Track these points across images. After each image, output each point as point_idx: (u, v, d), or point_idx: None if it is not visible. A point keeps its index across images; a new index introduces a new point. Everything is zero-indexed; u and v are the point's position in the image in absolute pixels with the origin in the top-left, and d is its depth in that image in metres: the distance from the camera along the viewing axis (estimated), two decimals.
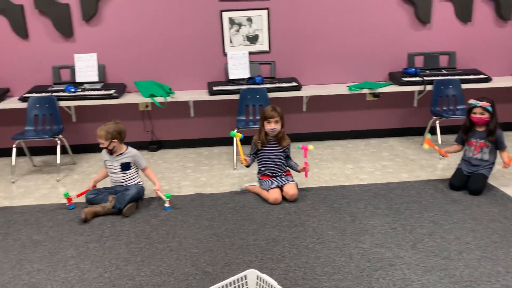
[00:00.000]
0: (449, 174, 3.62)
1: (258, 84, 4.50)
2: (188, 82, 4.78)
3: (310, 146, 3.41)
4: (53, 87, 4.49)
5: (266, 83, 4.53)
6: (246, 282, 2.14)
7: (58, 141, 4.12)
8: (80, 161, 4.56)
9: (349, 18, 4.69)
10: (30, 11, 4.42)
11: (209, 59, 4.73)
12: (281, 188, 3.39)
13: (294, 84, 4.51)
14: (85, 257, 2.65)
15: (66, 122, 4.52)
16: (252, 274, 2.19)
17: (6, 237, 2.94)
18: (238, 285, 2.10)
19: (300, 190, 3.48)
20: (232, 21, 4.61)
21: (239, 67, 4.66)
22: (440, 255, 2.54)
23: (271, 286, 2.03)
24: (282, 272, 2.43)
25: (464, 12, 4.71)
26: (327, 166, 4.17)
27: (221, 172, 4.11)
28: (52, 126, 4.28)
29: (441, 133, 4.37)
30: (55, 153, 4.68)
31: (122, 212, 3.17)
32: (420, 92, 4.70)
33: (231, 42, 4.68)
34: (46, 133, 4.14)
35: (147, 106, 4.81)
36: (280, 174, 3.47)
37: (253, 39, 4.69)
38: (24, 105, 4.28)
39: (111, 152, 3.32)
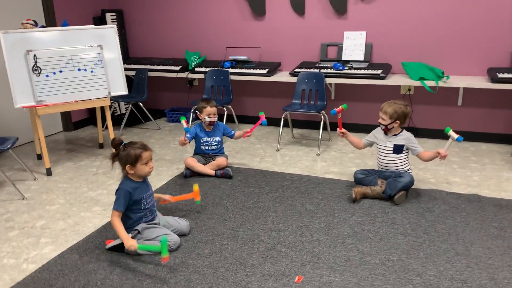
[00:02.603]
0: None
1: None
2: (462, 67, 4.25)
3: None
4: (320, 63, 4.62)
5: None
6: None
7: (322, 117, 4.22)
8: (335, 139, 4.62)
9: None
10: None
11: (492, 41, 4.08)
12: None
13: None
14: (362, 239, 2.58)
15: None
16: None
17: (283, 201, 3.12)
18: None
19: None
20: None
21: None
22: None
23: None
24: None
25: None
26: None
27: (498, 174, 3.53)
28: (316, 101, 4.42)
29: None
30: (312, 127, 4.88)
31: (394, 199, 3.01)
32: None
33: None
34: (311, 108, 4.30)
35: (409, 90, 4.50)
36: None
37: None
38: (293, 79, 4.53)
39: (386, 131, 3.16)
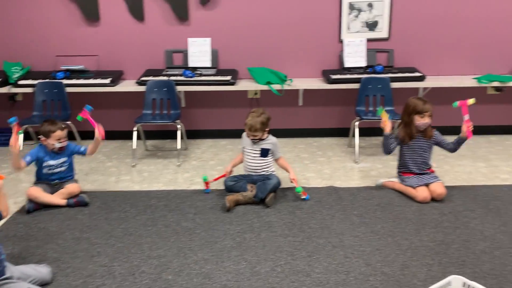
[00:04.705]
0: None
1: (378, 73, 4.28)
2: (299, 70, 4.61)
3: (470, 100, 3.10)
4: (167, 71, 4.44)
5: (386, 72, 4.30)
6: None
7: (179, 126, 4.07)
8: (191, 147, 4.51)
9: (476, 7, 4.37)
10: None
11: (323, 46, 4.54)
12: (427, 186, 3.18)
13: (418, 74, 4.26)
14: (246, 248, 2.56)
15: None
16: (457, 280, 2.02)
17: (155, 223, 2.89)
18: None
19: None
20: (351, 6, 4.39)
21: (355, 55, 4.45)
22: None
23: None
24: (471, 278, 2.23)
25: None
26: (457, 163, 3.91)
27: (344, 165, 3.94)
28: (169, 110, 4.24)
29: None
30: (165, 137, 4.69)
31: (265, 202, 3.07)
32: None
33: (348, 28, 4.46)
34: (164, 118, 4.11)
35: (256, 94, 4.69)
36: (426, 171, 3.26)
37: (372, 26, 4.45)
38: (141, 88, 4.25)
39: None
